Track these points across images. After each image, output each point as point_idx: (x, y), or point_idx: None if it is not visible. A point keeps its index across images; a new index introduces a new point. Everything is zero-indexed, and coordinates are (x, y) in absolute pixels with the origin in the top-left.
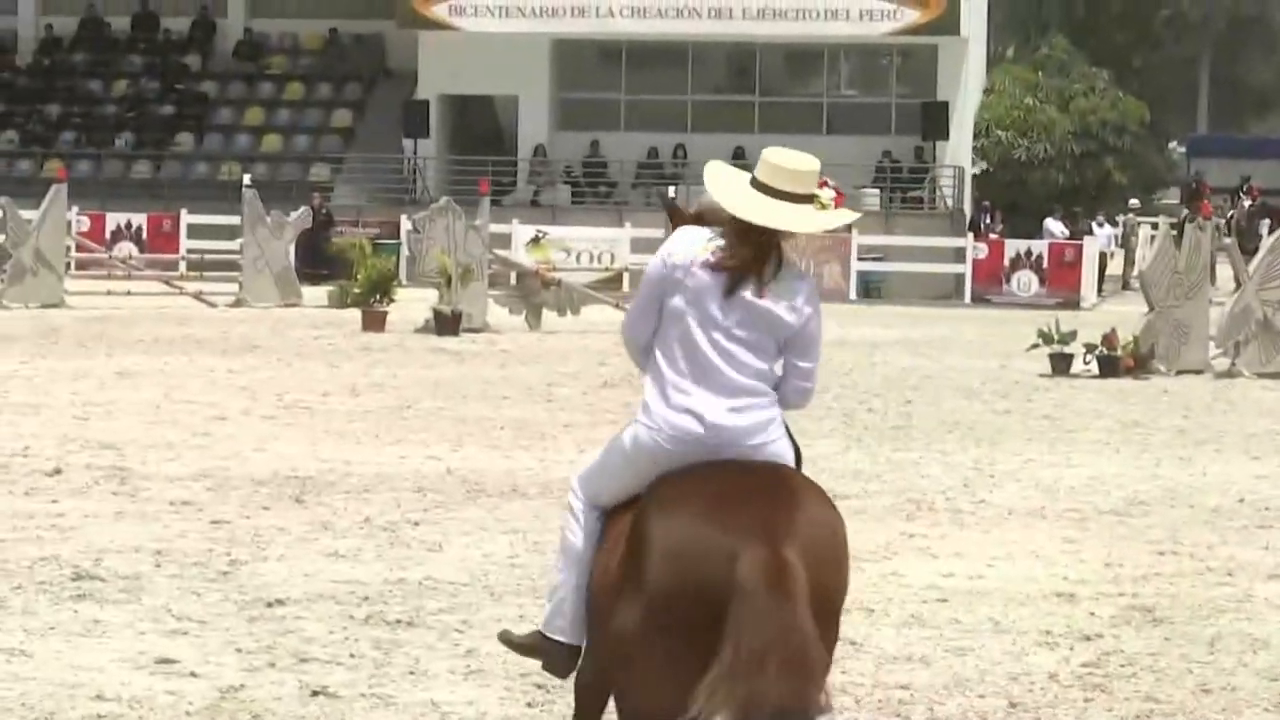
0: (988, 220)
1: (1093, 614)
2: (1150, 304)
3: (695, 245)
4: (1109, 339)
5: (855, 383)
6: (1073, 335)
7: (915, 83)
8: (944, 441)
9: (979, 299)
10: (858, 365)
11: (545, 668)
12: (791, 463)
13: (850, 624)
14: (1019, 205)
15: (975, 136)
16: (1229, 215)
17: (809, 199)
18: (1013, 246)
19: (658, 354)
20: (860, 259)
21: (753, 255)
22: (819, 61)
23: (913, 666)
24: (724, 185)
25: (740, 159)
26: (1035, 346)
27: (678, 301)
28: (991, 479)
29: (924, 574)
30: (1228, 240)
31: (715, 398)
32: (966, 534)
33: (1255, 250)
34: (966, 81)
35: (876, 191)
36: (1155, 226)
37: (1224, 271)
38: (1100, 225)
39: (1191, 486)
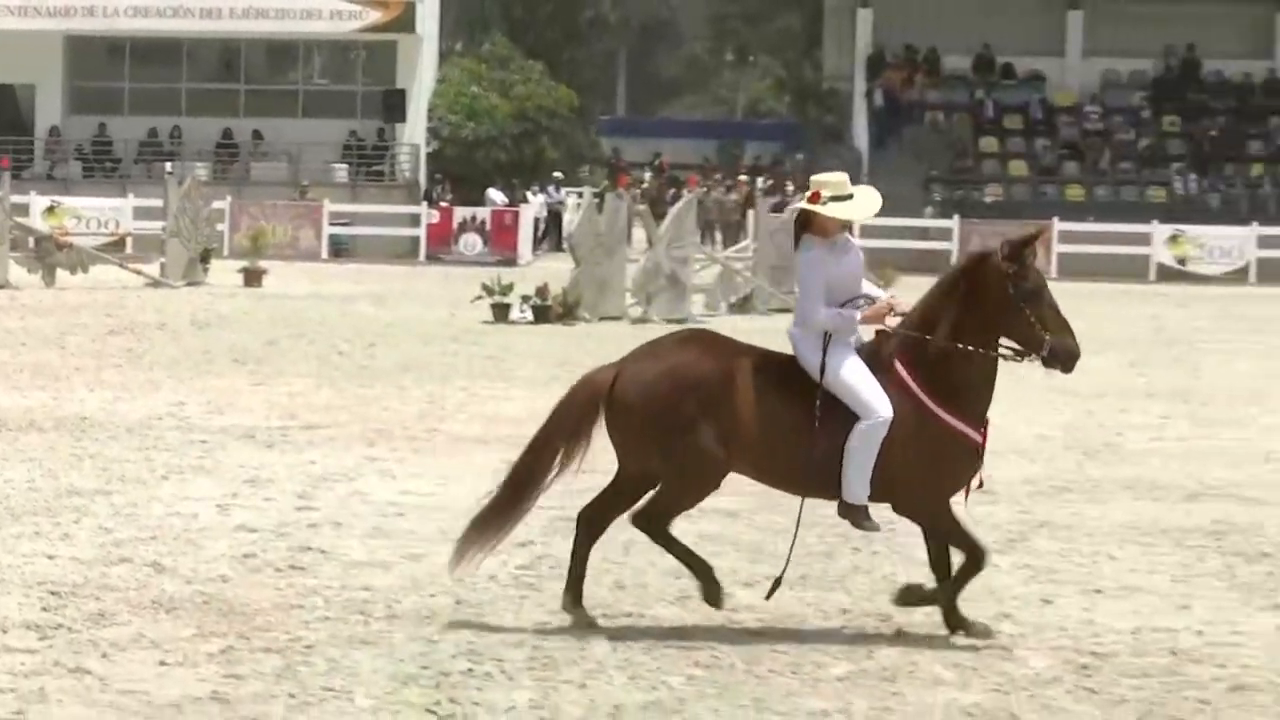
0: (440, 190)
1: (526, 524)
2: (576, 261)
3: None
4: (542, 291)
5: (328, 331)
6: (511, 288)
7: (378, 73)
8: (402, 380)
9: (432, 258)
10: (329, 316)
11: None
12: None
13: (321, 535)
14: (466, 177)
15: (429, 119)
16: (643, 185)
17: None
18: (461, 213)
19: None
20: (331, 224)
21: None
22: (296, 55)
23: (375, 570)
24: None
25: (227, 139)
26: (480, 298)
27: None
28: (443, 411)
29: (385, 492)
30: (641, 207)
31: None
32: (421, 458)
33: (664, 215)
34: (421, 73)
35: (345, 166)
36: (581, 195)
37: (638, 233)
38: (535, 194)
39: None
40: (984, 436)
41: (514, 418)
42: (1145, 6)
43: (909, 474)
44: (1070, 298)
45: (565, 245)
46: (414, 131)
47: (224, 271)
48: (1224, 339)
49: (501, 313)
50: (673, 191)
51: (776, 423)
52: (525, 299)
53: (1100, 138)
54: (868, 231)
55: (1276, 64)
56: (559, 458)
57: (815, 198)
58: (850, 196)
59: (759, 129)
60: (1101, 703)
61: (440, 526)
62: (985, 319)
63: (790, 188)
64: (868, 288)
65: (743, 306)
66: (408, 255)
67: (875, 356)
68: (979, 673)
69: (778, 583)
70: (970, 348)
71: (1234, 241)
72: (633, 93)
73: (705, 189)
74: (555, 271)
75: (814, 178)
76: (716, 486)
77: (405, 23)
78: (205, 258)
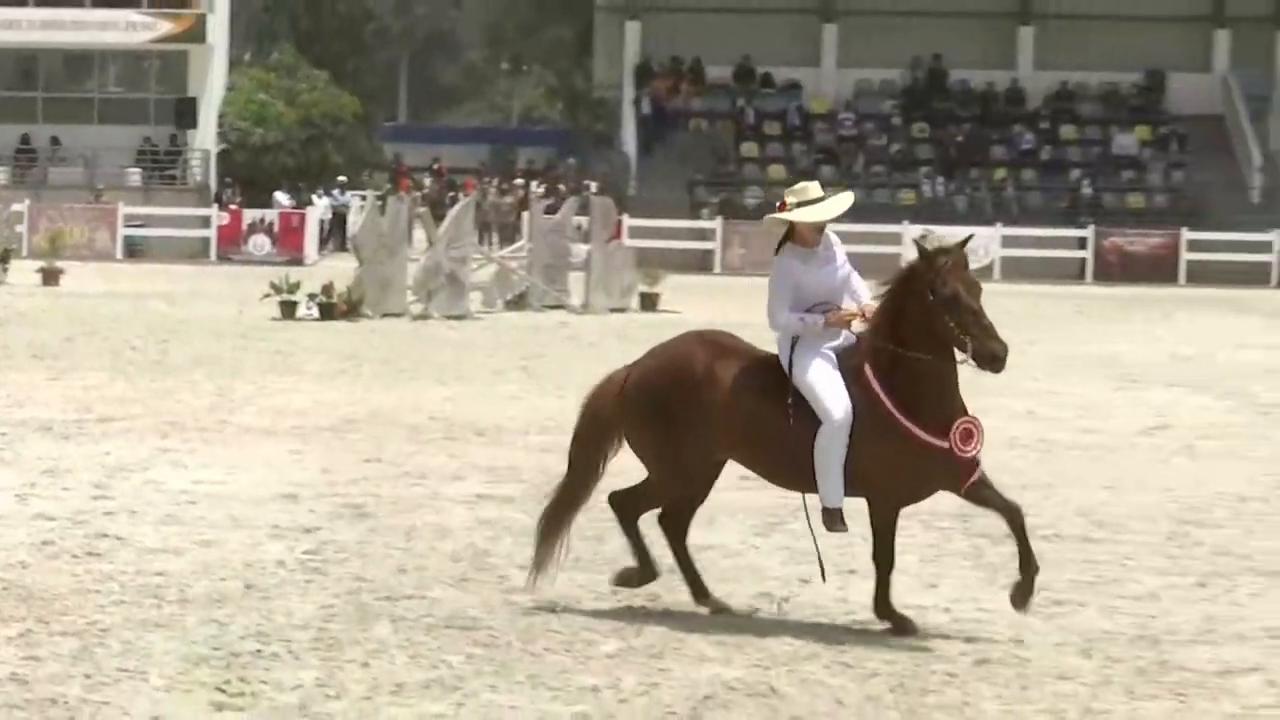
0: (229, 194)
1: (312, 511)
2: (360, 261)
3: None
4: (327, 289)
5: (123, 327)
6: (298, 286)
7: (170, 82)
8: (194, 374)
9: (223, 258)
10: (124, 313)
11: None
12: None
13: (116, 523)
14: (255, 181)
15: (219, 126)
16: (423, 189)
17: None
18: (249, 215)
19: None
20: (126, 226)
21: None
22: (92, 64)
23: (168, 556)
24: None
25: (26, 144)
26: (268, 296)
27: None
28: (232, 404)
29: (178, 481)
30: (421, 210)
31: None
32: (212, 449)
33: (443, 217)
34: (212, 81)
35: (139, 171)
36: (364, 198)
37: (419, 234)
38: (320, 197)
39: (394, 407)
40: (965, 438)
41: (300, 410)
42: (895, 19)
43: (870, 474)
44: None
45: (349, 246)
46: (205, 137)
47: (23, 271)
48: None
49: (289, 310)
50: (451, 195)
51: (757, 419)
52: (311, 297)
53: (854, 143)
54: (636, 233)
55: (1018, 74)
56: (593, 454)
57: (783, 206)
58: (818, 201)
59: (533, 135)
60: (856, 676)
61: (230, 513)
62: (916, 325)
63: (563, 190)
64: (863, 294)
65: (518, 304)
66: (199, 255)
67: (849, 361)
68: (741, 649)
69: (822, 575)
70: (919, 355)
71: (979, 241)
72: (413, 100)
73: (482, 192)
74: (340, 270)
75: (788, 190)
76: (701, 480)
77: (196, 34)
78: (4, 258)
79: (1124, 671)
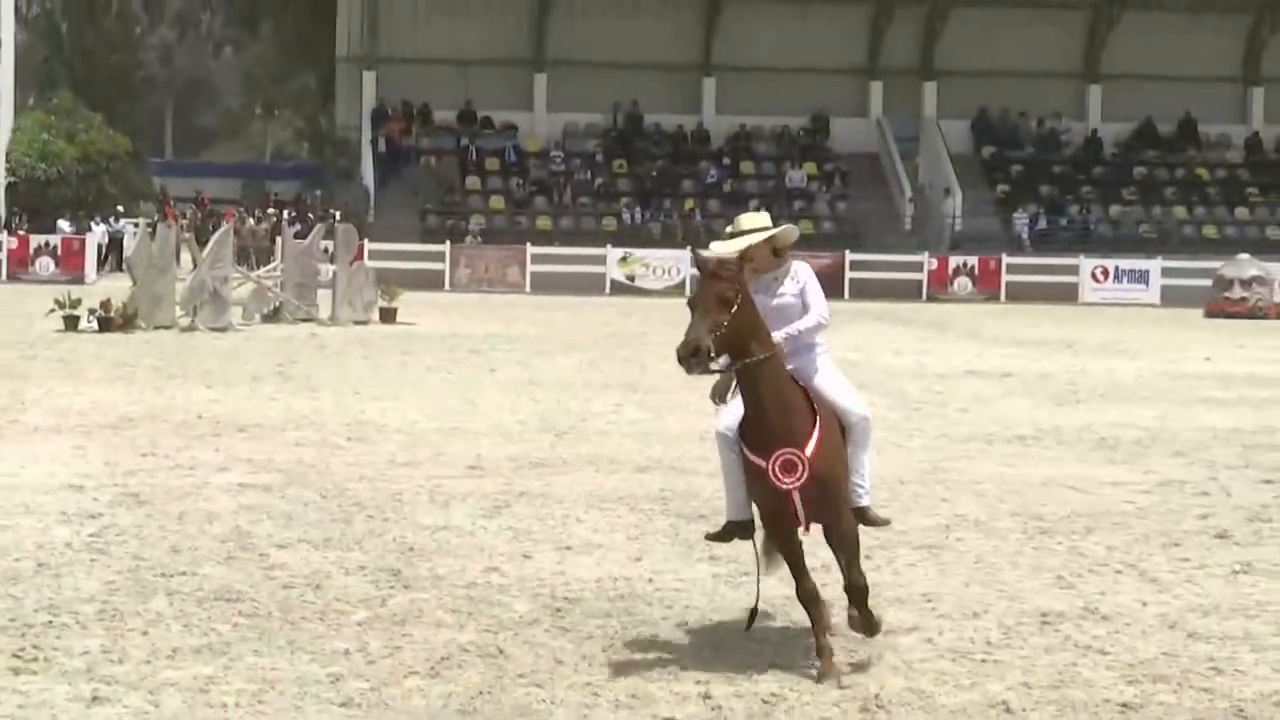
0: (17, 221)
1: (95, 499)
2: (134, 280)
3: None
4: (105, 305)
5: None
6: (79, 302)
7: None
8: None
9: (12, 278)
10: None
11: (742, 537)
12: None
13: None
14: (40, 210)
15: (7, 161)
16: (187, 217)
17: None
18: (36, 240)
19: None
20: None
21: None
22: None
23: None
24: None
25: None
26: (52, 311)
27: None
28: (22, 405)
29: None
30: (187, 235)
31: None
32: (4, 445)
33: (206, 242)
34: (0, 122)
35: None
36: (137, 225)
37: (185, 257)
38: (98, 224)
39: (165, 407)
40: (785, 469)
41: (83, 410)
42: (597, 70)
43: None
44: (540, 309)
45: (124, 266)
46: None
47: None
48: (664, 340)
49: (72, 323)
50: (213, 222)
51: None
52: (91, 311)
53: (563, 177)
54: (376, 255)
55: (703, 118)
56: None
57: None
58: (742, 234)
59: (284, 170)
60: (574, 638)
61: (22, 501)
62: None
63: (311, 218)
64: (804, 322)
65: (273, 317)
66: None
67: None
68: (474, 616)
69: (753, 614)
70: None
71: (672, 261)
72: (178, 139)
73: (240, 220)
74: (116, 288)
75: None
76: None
77: None
78: None
79: (803, 632)
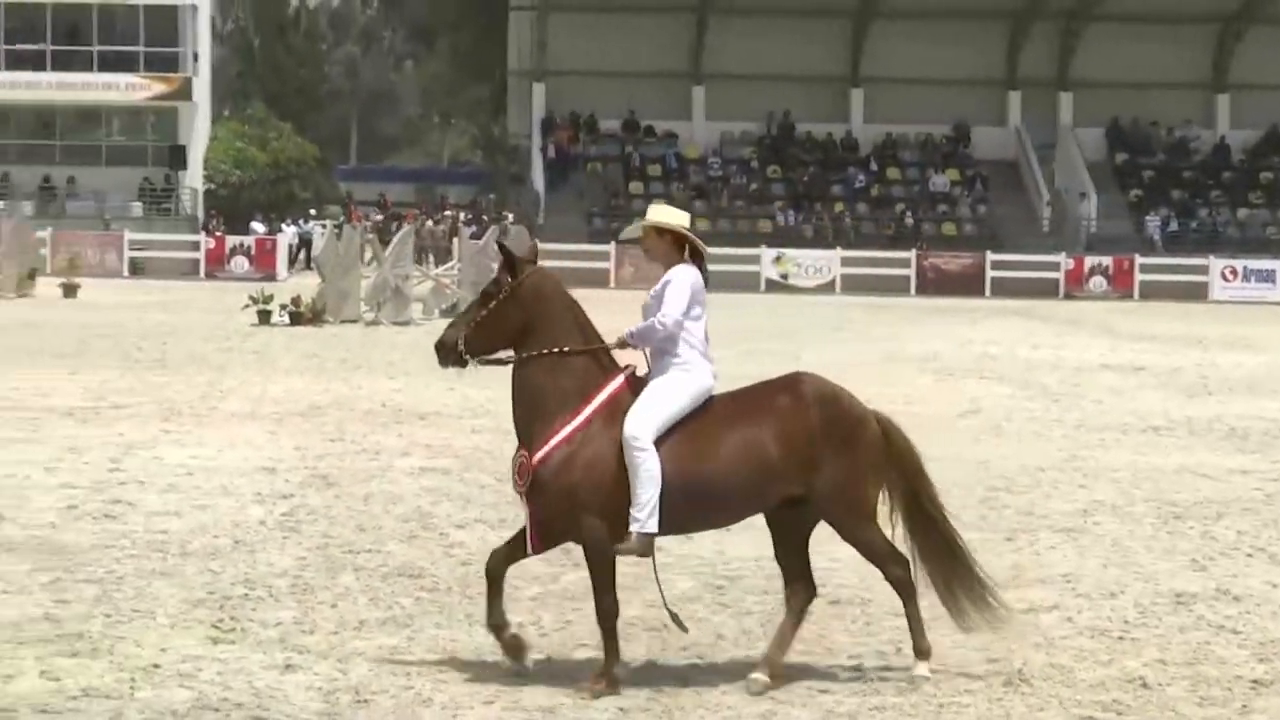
0: (215, 223)
1: (287, 480)
2: (322, 277)
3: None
4: (296, 300)
5: (129, 332)
6: (272, 298)
7: (164, 132)
8: (188, 369)
9: (210, 275)
10: (129, 320)
11: (641, 554)
12: None
13: (128, 491)
14: (235, 213)
15: (205, 168)
16: (374, 219)
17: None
18: (231, 240)
19: (698, 329)
20: (130, 249)
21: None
22: (99, 118)
23: (170, 518)
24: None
25: (47, 183)
26: (247, 306)
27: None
28: (220, 393)
29: (178, 457)
30: (371, 236)
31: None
32: (204, 430)
33: (389, 242)
34: (198, 132)
35: (140, 204)
36: (324, 226)
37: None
38: (288, 225)
39: (351, 396)
40: (518, 471)
41: (275, 398)
42: (752, 82)
43: None
44: (710, 306)
45: (313, 265)
46: (193, 177)
47: (47, 286)
48: (817, 333)
49: (264, 318)
50: (395, 224)
51: None
52: (283, 307)
53: (720, 182)
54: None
55: (851, 126)
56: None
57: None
58: (650, 224)
59: (460, 175)
60: (733, 614)
61: (220, 483)
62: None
63: (485, 220)
64: (639, 325)
65: (451, 312)
66: (190, 273)
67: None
68: (638, 591)
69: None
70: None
71: (824, 261)
72: (362, 147)
73: (420, 222)
74: (306, 286)
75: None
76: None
77: (184, 93)
78: (31, 276)
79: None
